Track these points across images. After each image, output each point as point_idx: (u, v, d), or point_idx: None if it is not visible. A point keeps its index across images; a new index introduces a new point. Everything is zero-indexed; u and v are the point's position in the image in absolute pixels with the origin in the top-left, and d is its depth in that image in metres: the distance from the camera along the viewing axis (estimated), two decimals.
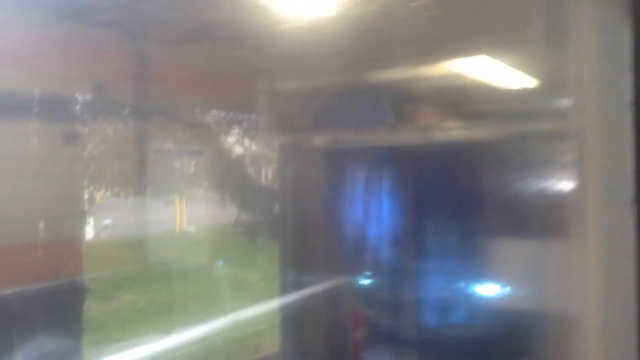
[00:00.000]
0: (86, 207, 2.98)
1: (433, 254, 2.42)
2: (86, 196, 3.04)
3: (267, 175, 3.83)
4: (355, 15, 1.98)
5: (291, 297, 2.65)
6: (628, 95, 1.02)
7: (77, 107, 2.70)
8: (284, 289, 2.73)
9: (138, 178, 3.47)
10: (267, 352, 3.69)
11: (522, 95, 1.70)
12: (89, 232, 4.62)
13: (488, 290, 2.15)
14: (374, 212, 2.71)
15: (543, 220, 1.38)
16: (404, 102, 2.52)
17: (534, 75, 1.29)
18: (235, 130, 3.11)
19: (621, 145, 1.03)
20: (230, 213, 4.37)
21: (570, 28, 1.11)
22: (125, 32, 2.61)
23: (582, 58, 1.08)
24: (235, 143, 3.18)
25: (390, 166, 2.64)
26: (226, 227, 4.98)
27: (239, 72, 2.98)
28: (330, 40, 2.28)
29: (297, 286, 2.59)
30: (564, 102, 1.18)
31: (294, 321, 2.67)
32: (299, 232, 2.60)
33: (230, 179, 3.40)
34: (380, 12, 1.83)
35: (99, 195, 3.41)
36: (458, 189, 2.25)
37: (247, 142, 3.19)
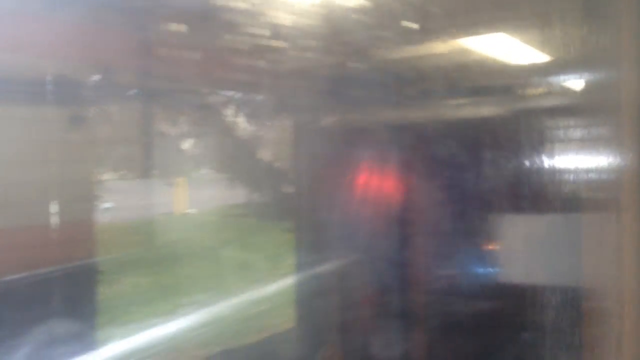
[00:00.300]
0: (96, 190, 2.99)
1: (452, 230, 2.47)
2: (94, 179, 3.05)
3: (278, 155, 3.86)
4: None
5: (307, 276, 2.70)
6: None
7: (85, 90, 2.69)
8: (300, 268, 2.77)
9: (144, 160, 3.47)
10: (274, 331, 3.74)
11: (562, 71, 1.74)
12: None
13: (514, 267, 2.20)
14: (385, 190, 2.75)
15: (578, 194, 1.43)
16: (417, 79, 2.54)
17: (572, 52, 1.34)
18: (244, 111, 3.12)
19: None
20: (231, 195, 4.39)
21: (608, 9, 1.15)
22: (131, 13, 2.59)
23: (621, 35, 1.13)
24: (245, 124, 3.19)
25: (402, 144, 2.67)
26: (227, 208, 5.01)
27: (246, 52, 2.98)
28: (339, 18, 2.29)
29: (313, 265, 2.63)
30: (604, 78, 1.22)
31: (309, 299, 2.72)
32: (313, 212, 2.64)
33: (240, 160, 3.42)
34: None
35: (104, 178, 3.40)
36: (478, 165, 2.30)
37: (256, 122, 3.21)
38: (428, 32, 2.22)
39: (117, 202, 4.55)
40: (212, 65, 3.04)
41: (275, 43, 2.65)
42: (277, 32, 2.51)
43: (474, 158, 2.36)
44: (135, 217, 4.85)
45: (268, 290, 4.21)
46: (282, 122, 3.25)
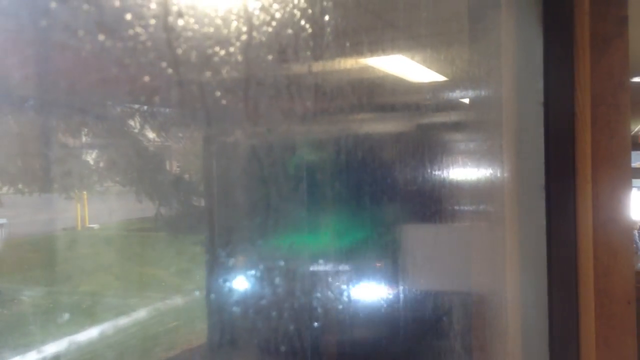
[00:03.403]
0: None
1: (355, 246, 2.56)
2: None
3: (187, 168, 3.80)
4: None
5: (217, 291, 2.68)
6: (540, 97, 1.19)
7: None
8: (210, 282, 2.75)
9: (43, 174, 3.30)
10: (184, 347, 3.67)
11: (454, 90, 1.85)
12: None
13: (411, 275, 2.31)
14: (294, 204, 2.79)
15: (465, 205, 1.54)
16: (320, 95, 2.62)
17: (456, 76, 1.45)
18: (151, 123, 3.06)
19: (534, 138, 1.20)
20: (137, 209, 4.26)
21: (491, 37, 1.26)
22: (27, 19, 2.49)
23: (502, 62, 1.24)
24: (152, 136, 3.13)
25: (308, 159, 2.74)
26: (133, 222, 4.84)
27: (153, 63, 2.94)
28: (248, 32, 2.33)
29: (224, 279, 2.62)
30: (489, 97, 1.33)
31: (220, 314, 2.70)
32: (223, 225, 2.64)
33: (147, 173, 3.34)
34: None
35: (0, 192, 3.20)
36: (376, 180, 2.40)
37: (164, 134, 3.15)
38: (330, 49, 2.30)
39: (13, 217, 4.28)
40: (116, 75, 2.96)
41: (182, 54, 2.63)
42: (184, 43, 2.50)
43: (376, 172, 2.47)
44: (33, 233, 4.58)
45: (177, 306, 4.12)
46: (192, 134, 3.22)
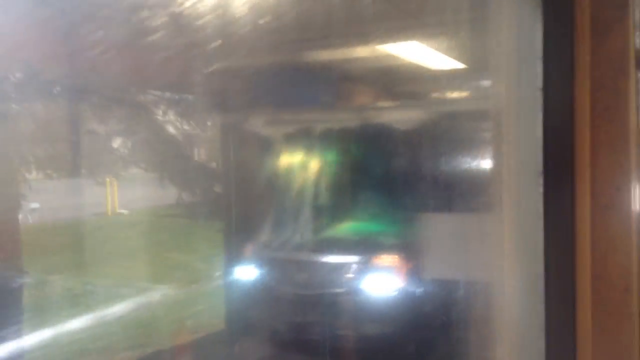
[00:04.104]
0: (21, 190, 2.92)
1: (368, 233, 2.57)
2: (20, 178, 2.98)
3: (209, 155, 3.87)
4: None
5: (235, 277, 2.73)
6: (539, 81, 1.18)
7: (7, 87, 2.64)
8: (228, 268, 2.81)
9: (71, 159, 3.41)
10: (207, 331, 3.75)
11: (451, 79, 1.85)
12: None
13: (416, 262, 2.31)
14: (312, 191, 2.82)
15: (468, 192, 1.54)
16: (339, 82, 2.63)
17: (461, 62, 1.45)
18: (175, 110, 3.13)
19: (532, 123, 1.20)
20: (163, 195, 4.36)
21: (491, 22, 1.26)
22: (56, 9, 2.57)
23: (501, 48, 1.24)
24: (175, 123, 3.20)
25: (327, 146, 2.76)
26: (160, 209, 4.95)
27: (175, 51, 3.00)
28: (268, 19, 2.34)
29: (240, 265, 2.67)
30: (486, 86, 1.33)
31: (238, 300, 2.76)
32: (242, 212, 2.68)
33: (170, 159, 3.42)
34: None
35: (30, 177, 3.33)
36: (391, 167, 2.41)
37: (187, 122, 3.22)
38: (349, 37, 2.30)
39: (45, 202, 4.43)
40: (141, 64, 3.03)
41: (204, 43, 2.67)
42: (206, 32, 2.54)
43: (374, 161, 2.47)
44: (65, 217, 4.73)
45: (202, 291, 4.21)
46: (213, 121, 3.27)
